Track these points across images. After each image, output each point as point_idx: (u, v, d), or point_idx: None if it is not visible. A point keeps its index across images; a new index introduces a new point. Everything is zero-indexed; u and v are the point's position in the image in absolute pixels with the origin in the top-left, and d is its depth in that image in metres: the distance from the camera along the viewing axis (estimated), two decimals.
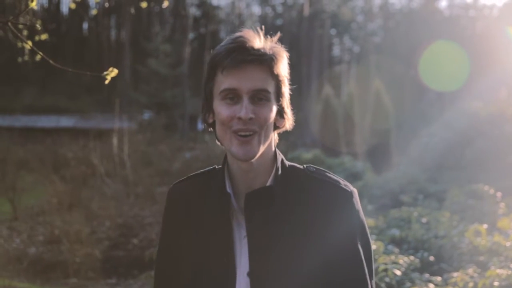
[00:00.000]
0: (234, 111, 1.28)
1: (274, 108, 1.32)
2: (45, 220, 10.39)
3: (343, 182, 1.38)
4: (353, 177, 12.67)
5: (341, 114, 21.40)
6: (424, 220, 5.97)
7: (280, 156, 1.39)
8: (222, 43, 1.34)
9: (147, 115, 26.46)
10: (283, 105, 1.36)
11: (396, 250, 4.63)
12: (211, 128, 1.40)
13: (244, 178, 1.35)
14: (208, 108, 1.37)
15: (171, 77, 28.54)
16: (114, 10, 43.21)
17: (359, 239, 1.35)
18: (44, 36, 4.31)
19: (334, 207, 1.33)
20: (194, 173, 1.50)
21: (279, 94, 1.34)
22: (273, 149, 1.38)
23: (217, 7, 48.48)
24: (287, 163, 1.41)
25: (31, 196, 11.84)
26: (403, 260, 4.06)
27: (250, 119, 1.26)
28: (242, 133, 1.28)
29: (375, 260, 4.15)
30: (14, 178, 11.54)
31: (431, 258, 4.78)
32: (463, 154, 14.16)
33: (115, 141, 13.85)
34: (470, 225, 5.31)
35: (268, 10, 51.62)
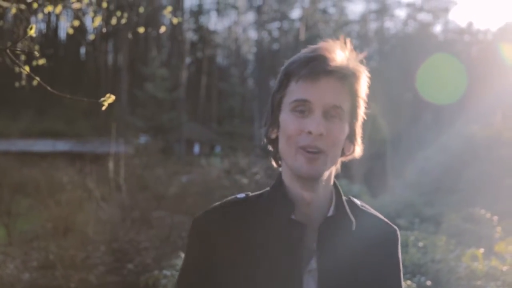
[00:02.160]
0: (303, 125, 1.16)
1: (346, 130, 1.21)
2: (40, 245, 10.30)
3: (386, 221, 1.33)
4: None
5: None
6: (420, 244, 5.95)
7: (336, 183, 1.29)
8: (302, 51, 1.23)
9: (143, 139, 26.48)
10: (355, 129, 1.25)
11: None
12: (271, 146, 1.27)
13: (304, 206, 1.21)
14: (273, 121, 1.24)
15: (167, 101, 28.67)
16: (112, 35, 43.54)
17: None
18: (41, 61, 4.34)
19: (388, 242, 1.28)
20: (223, 202, 1.30)
21: (353, 116, 1.23)
22: (333, 177, 1.27)
23: (214, 32, 48.95)
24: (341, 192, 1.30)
25: (26, 220, 11.77)
26: None
27: (321, 135, 1.15)
28: (310, 149, 1.16)
29: None
30: (9, 203, 11.49)
31: (428, 283, 4.75)
32: (460, 178, 14.18)
33: (111, 165, 13.82)
34: (467, 249, 5.31)
35: (265, 34, 52.07)
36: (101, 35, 40.78)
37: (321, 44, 1.22)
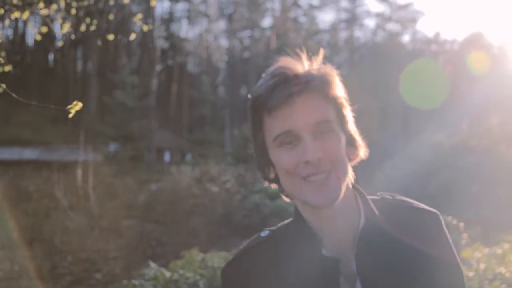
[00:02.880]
0: (297, 156, 1.06)
1: (342, 138, 1.10)
2: (5, 256, 10.08)
3: (425, 205, 1.22)
4: None
5: None
6: None
7: (360, 189, 1.19)
8: (261, 81, 1.13)
9: (113, 147, 26.19)
10: (350, 132, 1.14)
11: None
12: (275, 184, 1.18)
13: (328, 228, 1.12)
14: (265, 161, 1.14)
15: (137, 109, 28.44)
16: (81, 42, 43.05)
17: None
18: (8, 68, 4.26)
19: (431, 229, 1.17)
20: (247, 244, 1.22)
21: (342, 121, 1.12)
22: (352, 186, 1.16)
23: (185, 40, 48.83)
24: (368, 196, 1.20)
25: None
26: None
27: (319, 159, 1.05)
28: (314, 178, 1.06)
29: None
30: None
31: None
32: (427, 185, 14.39)
33: (79, 173, 13.63)
34: None
35: (236, 43, 52.19)
36: (70, 42, 40.28)
37: (279, 64, 1.12)
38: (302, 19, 53.37)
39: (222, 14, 50.77)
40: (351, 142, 1.14)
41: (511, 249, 5.14)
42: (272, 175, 1.16)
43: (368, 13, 63.93)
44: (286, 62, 1.11)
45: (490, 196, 13.46)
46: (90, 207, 12.64)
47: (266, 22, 62.20)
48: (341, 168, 1.08)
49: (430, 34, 70.42)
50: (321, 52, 1.14)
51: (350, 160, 1.15)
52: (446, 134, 17.72)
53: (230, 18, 50.02)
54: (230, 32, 50.41)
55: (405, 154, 20.31)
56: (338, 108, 1.11)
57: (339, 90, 1.12)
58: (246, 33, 52.14)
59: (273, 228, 1.22)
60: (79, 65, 46.62)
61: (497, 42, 50.32)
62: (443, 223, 1.20)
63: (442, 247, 1.18)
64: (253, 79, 48.50)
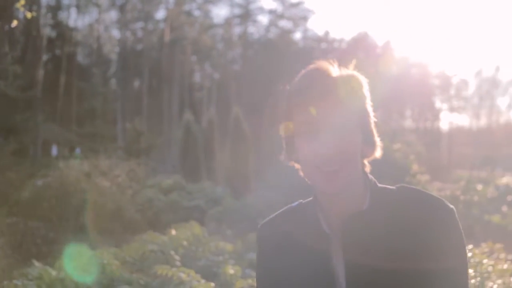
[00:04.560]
0: (315, 147, 1.25)
1: (358, 138, 1.28)
2: None
3: (441, 199, 1.32)
4: (213, 203, 12.77)
5: (201, 140, 21.56)
6: None
7: (372, 180, 1.36)
8: (297, 78, 1.32)
9: None
10: (368, 133, 1.32)
11: (254, 273, 4.71)
12: (298, 165, 1.36)
13: (337, 210, 1.32)
14: (291, 146, 1.35)
15: (21, 101, 26.86)
16: None
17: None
18: None
19: (438, 225, 1.27)
20: (282, 210, 1.47)
21: (362, 123, 1.30)
22: (363, 174, 1.35)
23: (74, 29, 46.73)
24: (380, 185, 1.36)
25: None
26: None
27: (333, 154, 1.23)
28: (326, 169, 1.24)
29: (233, 284, 4.19)
30: None
31: None
32: None
33: None
34: None
35: (128, 34, 50.88)
36: None
37: (316, 65, 1.31)
38: (197, 12, 53.11)
39: (113, 4, 49.17)
40: (368, 141, 1.32)
41: None
42: (294, 158, 1.35)
43: (261, 10, 64.91)
44: (322, 65, 1.30)
45: None
46: None
47: (160, 14, 61.20)
48: (352, 164, 1.26)
49: (320, 32, 72.92)
50: (353, 62, 1.34)
51: (366, 156, 1.34)
52: None
53: (122, 8, 48.61)
54: (122, 23, 49.03)
55: None
56: (359, 110, 1.29)
57: (363, 97, 1.31)
58: (139, 25, 50.98)
59: (302, 201, 1.45)
60: None
61: (381, 41, 53.11)
62: (457, 219, 1.30)
63: (446, 243, 1.27)
64: (147, 72, 47.59)
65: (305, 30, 55.90)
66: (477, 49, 79.74)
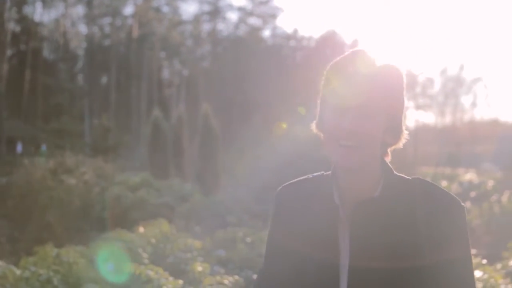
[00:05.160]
0: (339, 122, 1.32)
1: (382, 124, 1.34)
2: None
3: (454, 196, 1.38)
4: (182, 199, 12.70)
5: (170, 136, 21.41)
6: (248, 239, 6.17)
7: (389, 168, 1.41)
8: (342, 55, 1.39)
9: None
10: (395, 123, 1.38)
11: (222, 270, 4.72)
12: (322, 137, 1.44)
13: (351, 189, 1.39)
14: (321, 116, 1.42)
15: None
16: None
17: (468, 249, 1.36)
18: None
19: (443, 214, 1.34)
20: (303, 177, 1.54)
21: (391, 112, 1.36)
22: (380, 162, 1.40)
23: (40, 24, 45.81)
24: (397, 174, 1.42)
25: None
26: (228, 280, 4.14)
27: (354, 131, 1.30)
28: (344, 143, 1.32)
29: (201, 282, 4.18)
30: None
31: (255, 276, 4.94)
32: (285, 176, 14.96)
33: None
34: None
35: (95, 30, 50.15)
36: None
37: (357, 50, 1.37)
38: (165, 8, 52.65)
39: None
40: (393, 130, 1.38)
41: None
42: (322, 129, 1.43)
43: (231, 7, 64.89)
44: (370, 50, 1.37)
45: None
46: None
47: (128, 10, 60.42)
48: (370, 146, 1.33)
49: (289, 30, 73.09)
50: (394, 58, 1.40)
51: (388, 145, 1.40)
52: (304, 127, 18.51)
53: (89, 3, 47.86)
54: (90, 18, 48.30)
55: (267, 145, 20.96)
56: (391, 101, 1.35)
57: (398, 88, 1.37)
58: (106, 20, 50.32)
59: (323, 172, 1.52)
60: None
61: (349, 40, 53.58)
62: (465, 217, 1.37)
63: (452, 236, 1.33)
64: (114, 68, 46.99)
65: (274, 28, 56.09)
66: (442, 48, 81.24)
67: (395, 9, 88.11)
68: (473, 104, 49.38)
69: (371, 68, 1.34)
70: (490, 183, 11.79)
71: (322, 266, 1.38)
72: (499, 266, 5.45)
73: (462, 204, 1.37)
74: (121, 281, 4.64)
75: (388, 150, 1.44)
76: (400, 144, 1.43)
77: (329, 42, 52.32)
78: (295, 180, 1.55)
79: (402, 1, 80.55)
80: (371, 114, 1.32)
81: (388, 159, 1.44)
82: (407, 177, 1.43)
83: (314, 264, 1.39)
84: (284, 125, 16.94)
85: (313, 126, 1.47)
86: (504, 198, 11.99)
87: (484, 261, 4.76)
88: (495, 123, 43.26)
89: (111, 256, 5.03)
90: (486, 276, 4.25)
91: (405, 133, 1.41)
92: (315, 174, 1.53)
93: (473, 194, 11.71)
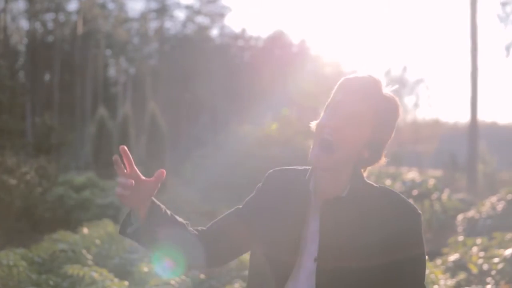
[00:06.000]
0: (327, 119, 1.47)
1: (363, 137, 1.46)
2: None
3: (413, 205, 1.53)
4: None
5: (116, 135, 21.07)
6: None
7: (360, 174, 1.53)
8: (357, 73, 1.54)
9: None
10: (378, 142, 1.50)
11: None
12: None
13: (323, 185, 1.53)
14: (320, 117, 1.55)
15: None
16: None
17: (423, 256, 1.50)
18: None
19: (402, 219, 1.48)
20: (293, 167, 1.66)
21: (376, 132, 1.48)
22: (353, 168, 1.51)
23: None
24: (366, 181, 1.55)
25: None
26: (175, 280, 4.11)
27: (336, 129, 1.43)
28: (325, 137, 1.45)
29: (148, 283, 4.14)
30: None
31: (202, 276, 4.93)
32: (234, 174, 14.99)
33: None
34: None
35: (38, 25, 48.66)
36: None
37: (372, 75, 1.52)
38: (111, 5, 51.65)
39: None
40: (372, 148, 1.50)
41: None
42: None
43: (178, 5, 64.18)
44: (379, 80, 1.52)
45: None
46: None
47: (72, 6, 59.05)
48: (345, 151, 1.45)
49: (237, 29, 73.19)
50: (395, 87, 1.56)
51: (364, 160, 1.51)
52: (252, 126, 18.56)
53: None
54: (31, 14, 46.81)
55: (214, 144, 20.92)
56: (379, 122, 1.48)
57: (391, 116, 1.51)
58: (49, 16, 48.88)
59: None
60: None
61: (297, 40, 54.17)
62: (421, 223, 1.51)
63: (408, 240, 1.47)
64: (58, 65, 45.76)
65: (222, 27, 55.83)
66: (386, 49, 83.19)
67: (342, 11, 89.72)
68: (416, 105, 50.70)
69: (374, 89, 1.49)
70: (431, 181, 12.19)
71: (279, 244, 1.51)
72: (439, 261, 5.64)
73: (419, 211, 1.52)
74: (64, 284, 4.53)
75: (364, 167, 1.56)
76: (376, 167, 1.56)
77: (277, 42, 52.72)
78: (286, 167, 1.69)
79: (349, 3, 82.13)
80: (357, 124, 1.45)
81: (364, 174, 1.56)
82: (375, 184, 1.56)
83: (272, 241, 1.53)
84: (274, 126, 16.85)
85: (313, 126, 1.57)
86: (444, 196, 12.41)
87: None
88: (436, 124, 44.62)
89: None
90: (427, 271, 4.38)
91: (383, 160, 1.54)
92: (305, 166, 1.65)
93: (415, 192, 12.01)
